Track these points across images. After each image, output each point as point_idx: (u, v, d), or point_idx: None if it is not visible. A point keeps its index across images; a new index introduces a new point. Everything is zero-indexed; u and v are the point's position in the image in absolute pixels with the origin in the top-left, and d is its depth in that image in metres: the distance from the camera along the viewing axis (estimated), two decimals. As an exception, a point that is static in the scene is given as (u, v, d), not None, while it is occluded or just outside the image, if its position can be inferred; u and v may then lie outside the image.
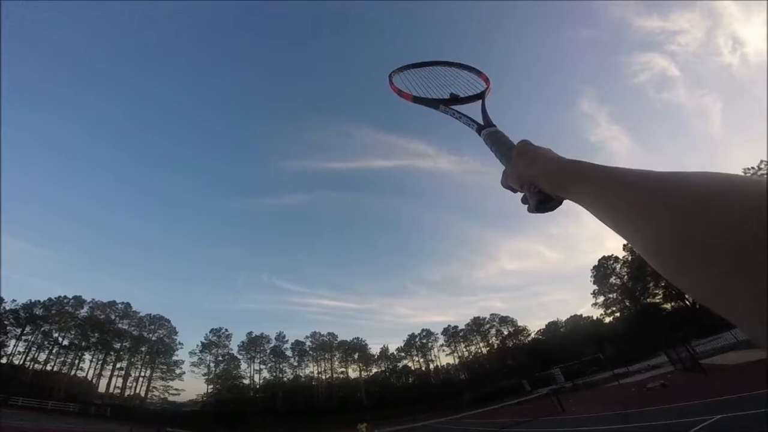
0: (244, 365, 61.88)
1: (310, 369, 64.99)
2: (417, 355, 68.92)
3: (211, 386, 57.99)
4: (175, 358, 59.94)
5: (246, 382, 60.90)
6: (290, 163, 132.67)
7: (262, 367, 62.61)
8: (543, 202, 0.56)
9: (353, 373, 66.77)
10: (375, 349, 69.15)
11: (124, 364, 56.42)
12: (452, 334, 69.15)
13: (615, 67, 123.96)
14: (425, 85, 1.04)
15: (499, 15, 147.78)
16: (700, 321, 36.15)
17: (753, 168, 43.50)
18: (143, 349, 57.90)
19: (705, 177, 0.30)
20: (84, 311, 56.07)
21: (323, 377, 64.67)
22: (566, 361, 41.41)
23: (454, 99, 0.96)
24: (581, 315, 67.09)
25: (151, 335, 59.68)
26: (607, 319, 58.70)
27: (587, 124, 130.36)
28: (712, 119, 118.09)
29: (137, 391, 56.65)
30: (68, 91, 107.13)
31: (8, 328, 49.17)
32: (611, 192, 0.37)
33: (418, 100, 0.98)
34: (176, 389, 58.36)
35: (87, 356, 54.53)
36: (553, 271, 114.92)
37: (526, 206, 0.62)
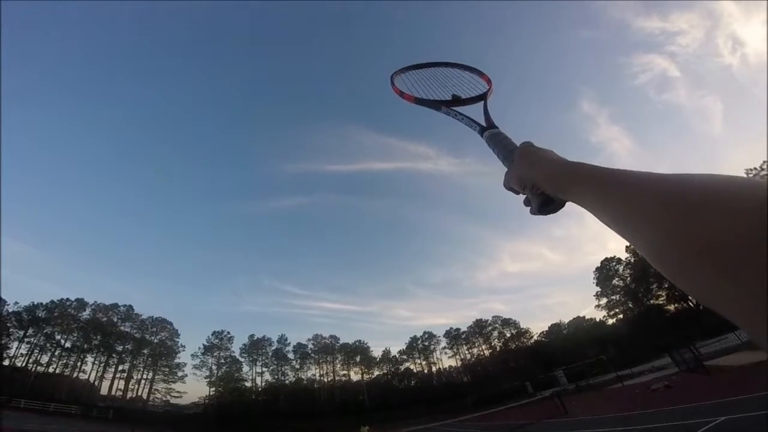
0: (246, 368, 61.98)
1: (312, 372, 65.08)
2: (419, 358, 68.75)
3: (213, 389, 58.03)
4: (177, 360, 60.16)
5: (248, 384, 60.95)
6: (291, 166, 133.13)
7: (264, 369, 62.67)
8: (545, 203, 0.56)
9: (355, 375, 66.77)
10: (377, 352, 69.19)
11: (126, 366, 56.58)
12: (454, 337, 68.92)
13: (615, 68, 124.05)
14: (427, 86, 1.04)
15: (499, 16, 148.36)
16: (703, 322, 35.91)
17: (755, 169, 43.37)
18: (145, 351, 57.94)
19: (706, 178, 0.30)
20: (86, 314, 56.31)
21: (325, 380, 64.62)
22: (569, 363, 41.14)
23: (456, 100, 0.96)
24: (584, 317, 66.92)
25: (153, 338, 59.80)
26: (610, 321, 58.56)
27: (588, 126, 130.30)
28: (712, 120, 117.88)
29: (139, 394, 56.93)
30: (68, 91, 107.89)
31: (11, 330, 49.39)
32: (613, 193, 0.37)
33: (420, 101, 0.97)
34: (178, 392, 58.66)
35: (89, 358, 54.82)
36: (555, 273, 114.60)
37: (529, 208, 0.62)
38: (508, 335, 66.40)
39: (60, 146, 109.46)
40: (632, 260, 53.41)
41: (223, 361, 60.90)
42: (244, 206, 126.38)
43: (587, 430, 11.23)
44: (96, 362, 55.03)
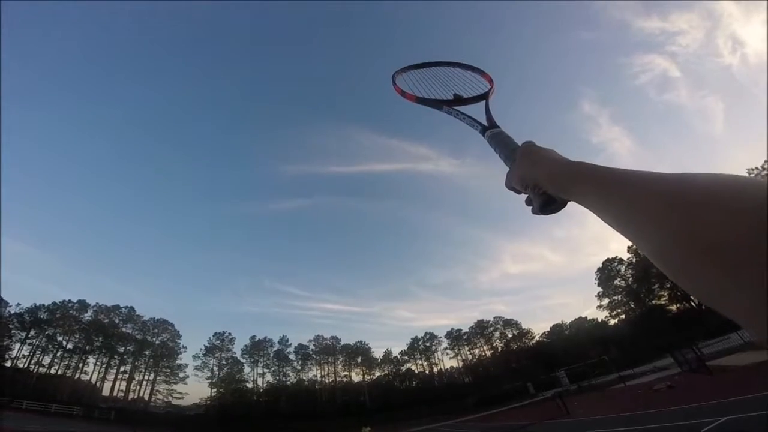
0: (247, 369, 61.96)
1: (314, 373, 65.03)
2: (420, 359, 68.63)
3: (215, 390, 58.03)
4: (178, 361, 60.11)
5: (249, 385, 60.91)
6: (292, 167, 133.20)
7: (266, 370, 62.63)
8: (547, 203, 0.56)
9: (356, 376, 66.66)
10: (378, 353, 69.12)
11: (127, 367, 56.64)
12: (456, 338, 68.80)
13: (616, 68, 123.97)
14: (428, 85, 1.03)
15: (500, 16, 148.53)
16: (705, 322, 35.80)
17: (756, 168, 43.30)
18: (147, 352, 57.99)
19: (709, 178, 0.30)
20: (88, 315, 56.45)
21: (326, 381, 64.55)
22: (571, 364, 41.06)
23: (458, 100, 0.95)
24: (586, 317, 66.69)
25: (154, 339, 59.86)
26: (612, 322, 58.45)
27: (588, 126, 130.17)
28: (713, 120, 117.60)
29: (141, 395, 56.87)
30: (68, 91, 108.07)
31: (13, 331, 49.53)
32: (615, 193, 0.37)
33: (421, 100, 0.97)
34: (180, 393, 58.65)
35: (91, 360, 54.90)
36: (557, 273, 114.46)
37: (530, 208, 0.61)
38: (510, 336, 66.27)
39: (60, 146, 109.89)
40: (634, 260, 53.32)
41: (224, 362, 60.96)
42: (244, 207, 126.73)
43: (589, 431, 11.21)
44: (98, 363, 55.20)
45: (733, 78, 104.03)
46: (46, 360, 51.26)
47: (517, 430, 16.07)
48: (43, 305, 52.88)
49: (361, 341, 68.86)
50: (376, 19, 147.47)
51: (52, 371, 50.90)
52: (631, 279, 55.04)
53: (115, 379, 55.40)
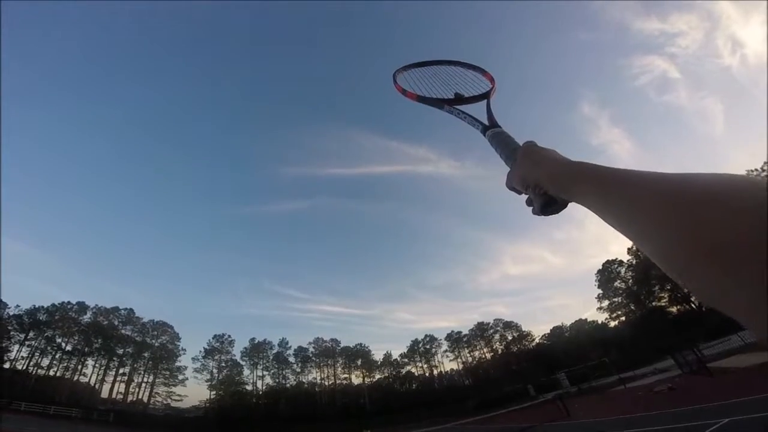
0: (246, 371, 61.75)
1: (313, 375, 64.78)
2: (420, 361, 68.44)
3: (214, 392, 57.82)
4: (177, 364, 59.88)
5: (249, 388, 60.69)
6: (291, 168, 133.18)
7: (265, 373, 62.46)
8: (548, 204, 0.55)
9: (356, 379, 66.47)
10: (378, 355, 68.96)
11: (126, 369, 56.47)
12: (456, 340, 68.64)
13: (615, 69, 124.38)
14: (430, 84, 1.03)
15: (499, 16, 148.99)
16: (706, 324, 35.75)
17: (756, 170, 43.37)
18: (146, 354, 57.83)
19: (710, 177, 0.30)
20: (87, 317, 56.30)
21: (326, 383, 64.37)
22: (571, 366, 40.99)
23: (459, 99, 0.95)
24: (586, 319, 66.47)
25: (153, 341, 59.69)
26: (613, 323, 58.36)
27: (588, 127, 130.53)
28: (713, 121, 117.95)
29: (140, 397, 56.75)
30: (68, 91, 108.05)
31: (12, 333, 49.41)
32: (616, 192, 0.37)
33: (422, 99, 0.97)
34: (179, 395, 58.42)
35: (90, 362, 54.70)
36: (557, 275, 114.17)
37: (531, 208, 0.61)
38: (510, 338, 66.11)
39: (60, 146, 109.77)
40: (634, 262, 53.29)
41: (223, 364, 60.76)
42: (244, 208, 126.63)
43: (590, 433, 11.17)
44: (97, 365, 55.02)
45: (732, 79, 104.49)
46: (45, 362, 51.17)
47: (517, 432, 16.04)
48: (42, 307, 52.80)
49: (360, 343, 68.80)
50: (376, 19, 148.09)
51: (51, 373, 50.80)
52: (631, 281, 54.98)
53: (114, 381, 55.29)
